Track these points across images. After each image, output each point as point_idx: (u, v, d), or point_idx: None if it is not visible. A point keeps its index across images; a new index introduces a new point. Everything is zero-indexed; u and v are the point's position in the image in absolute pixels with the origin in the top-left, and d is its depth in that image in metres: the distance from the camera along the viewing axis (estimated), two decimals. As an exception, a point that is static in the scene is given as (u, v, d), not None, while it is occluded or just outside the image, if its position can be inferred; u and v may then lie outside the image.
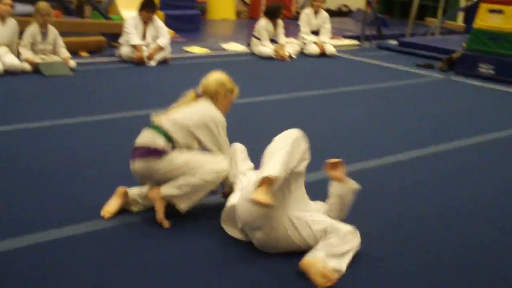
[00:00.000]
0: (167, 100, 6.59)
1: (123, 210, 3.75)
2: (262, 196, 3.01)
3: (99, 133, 5.37)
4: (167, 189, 3.62)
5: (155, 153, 3.60)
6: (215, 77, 3.88)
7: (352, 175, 4.65)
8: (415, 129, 6.10)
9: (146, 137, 3.69)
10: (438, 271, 3.28)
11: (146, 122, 5.66)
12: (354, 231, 3.27)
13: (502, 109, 7.33)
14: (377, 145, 5.50)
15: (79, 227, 3.52)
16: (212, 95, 3.82)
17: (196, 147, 3.71)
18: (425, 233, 3.74)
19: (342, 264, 3.13)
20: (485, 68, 8.95)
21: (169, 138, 3.63)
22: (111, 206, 3.71)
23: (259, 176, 3.09)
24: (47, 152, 4.80)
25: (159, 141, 3.61)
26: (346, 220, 3.46)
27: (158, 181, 3.67)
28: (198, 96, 3.85)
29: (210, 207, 3.84)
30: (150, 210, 3.73)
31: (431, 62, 9.97)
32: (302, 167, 3.31)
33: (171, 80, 7.77)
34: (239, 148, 3.93)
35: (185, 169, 3.59)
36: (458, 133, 6.01)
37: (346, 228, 3.25)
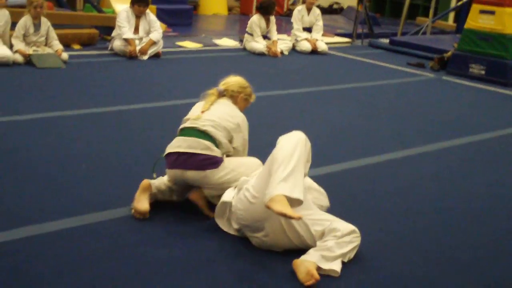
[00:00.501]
0: (159, 94, 6.65)
1: (120, 204, 3.75)
2: (289, 209, 2.98)
3: (91, 126, 5.36)
4: (209, 192, 3.67)
5: (215, 163, 3.60)
6: (237, 79, 3.98)
7: (344, 173, 4.71)
8: (407, 128, 6.13)
9: (196, 144, 3.61)
10: (431, 270, 3.30)
11: (139, 116, 5.73)
12: (353, 231, 3.27)
13: (493, 109, 7.38)
14: (369, 143, 5.53)
15: (74, 220, 3.52)
16: (233, 96, 3.89)
17: (231, 151, 3.76)
18: (418, 232, 3.77)
19: (336, 266, 3.14)
20: (476, 69, 9.00)
21: (216, 144, 3.65)
22: (142, 205, 3.60)
23: (282, 191, 3.02)
24: (39, 144, 4.79)
25: (215, 149, 3.62)
26: (341, 218, 3.48)
27: (203, 187, 3.70)
28: (220, 94, 3.88)
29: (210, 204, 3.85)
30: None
31: (423, 61, 10.01)
32: (306, 169, 3.33)
33: (163, 74, 7.77)
34: None
35: (234, 174, 3.62)
36: (450, 133, 6.04)
37: (345, 228, 3.26)
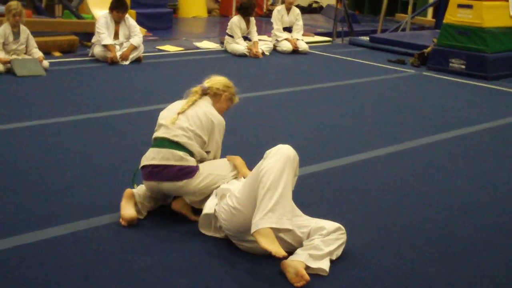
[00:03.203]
0: (142, 98, 6.63)
1: (106, 211, 3.75)
2: (274, 246, 2.97)
3: (75, 133, 5.33)
4: (190, 198, 3.65)
5: (190, 172, 3.57)
6: (222, 78, 3.92)
7: (331, 171, 4.73)
8: (390, 125, 6.16)
9: (170, 155, 3.57)
10: (421, 265, 3.32)
11: (123, 121, 5.71)
12: (339, 228, 3.29)
13: (475, 103, 7.43)
14: (354, 141, 5.55)
15: (61, 229, 3.50)
16: (217, 94, 3.84)
17: (205, 157, 3.73)
18: (407, 227, 3.79)
19: (324, 264, 3.14)
20: (456, 63, 9.06)
21: (190, 152, 3.61)
22: (128, 212, 3.61)
23: (270, 224, 3.01)
24: (24, 153, 4.76)
25: (189, 159, 3.58)
26: (329, 216, 3.50)
27: (181, 196, 3.68)
28: (204, 92, 3.83)
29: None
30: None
31: (403, 58, 10.06)
32: (293, 183, 3.30)
33: (145, 78, 7.75)
34: None
35: (210, 179, 3.61)
36: (433, 128, 6.08)
37: (331, 226, 3.27)
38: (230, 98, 3.90)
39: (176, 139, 3.60)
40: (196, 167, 3.60)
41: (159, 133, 3.70)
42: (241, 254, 3.33)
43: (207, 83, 3.88)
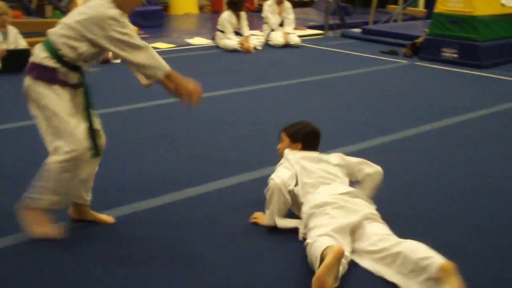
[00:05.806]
0: (134, 96, 6.59)
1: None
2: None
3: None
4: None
5: (34, 70, 3.19)
6: None
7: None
8: (383, 115, 6.15)
9: (35, 51, 3.19)
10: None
11: (115, 119, 5.67)
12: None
13: (467, 91, 7.43)
14: (349, 132, 5.54)
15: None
16: None
17: (84, 48, 3.16)
18: (399, 217, 3.78)
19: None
20: (448, 52, 9.05)
21: (55, 52, 3.15)
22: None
23: None
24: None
25: (42, 55, 3.16)
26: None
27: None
28: None
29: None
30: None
31: (395, 49, 10.05)
32: None
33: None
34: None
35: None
36: (426, 117, 6.07)
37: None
38: None
39: (49, 35, 3.21)
40: (51, 69, 3.15)
41: None
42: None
43: None
